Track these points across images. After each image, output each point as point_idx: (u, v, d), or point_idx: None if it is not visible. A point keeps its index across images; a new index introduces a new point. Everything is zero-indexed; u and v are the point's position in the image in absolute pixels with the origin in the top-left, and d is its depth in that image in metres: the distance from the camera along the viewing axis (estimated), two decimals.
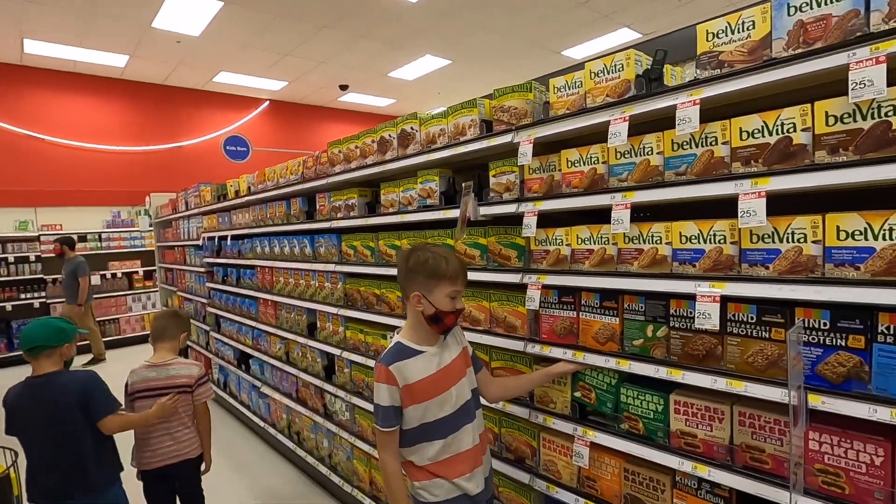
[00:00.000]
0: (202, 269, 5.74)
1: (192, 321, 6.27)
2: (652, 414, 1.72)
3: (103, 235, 8.86)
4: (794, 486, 1.32)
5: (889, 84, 1.17)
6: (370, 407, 2.98)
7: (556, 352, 1.95)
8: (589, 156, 1.85)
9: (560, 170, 1.95)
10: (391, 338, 2.81)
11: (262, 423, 4.43)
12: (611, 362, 1.78)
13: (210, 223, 5.54)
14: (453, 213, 2.30)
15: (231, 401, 5.11)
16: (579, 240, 1.90)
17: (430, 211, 2.49)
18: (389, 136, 2.77)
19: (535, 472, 2.10)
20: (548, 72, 2.41)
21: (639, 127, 1.70)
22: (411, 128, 2.62)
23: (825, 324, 1.35)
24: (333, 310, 3.28)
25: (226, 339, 5.15)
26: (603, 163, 1.81)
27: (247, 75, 9.53)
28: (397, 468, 1.67)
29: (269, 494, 3.60)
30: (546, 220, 2.00)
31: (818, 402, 1.33)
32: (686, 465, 1.60)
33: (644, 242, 1.70)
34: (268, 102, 11.13)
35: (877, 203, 1.29)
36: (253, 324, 4.47)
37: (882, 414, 1.22)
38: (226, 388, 5.33)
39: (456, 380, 1.73)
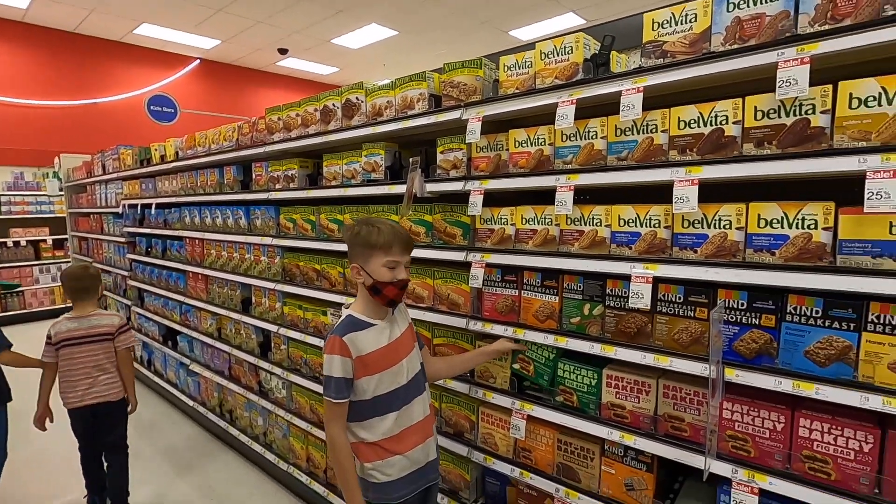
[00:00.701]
0: (122, 240, 5.30)
1: (111, 295, 5.81)
2: (586, 387, 1.81)
3: (3, 199, 7.94)
4: (708, 451, 1.45)
5: (811, 84, 1.26)
6: (308, 384, 2.92)
7: (497, 329, 1.99)
8: (536, 137, 1.87)
9: (507, 149, 1.96)
10: (333, 314, 2.76)
11: (190, 403, 4.23)
12: (549, 339, 1.84)
13: (132, 189, 5.11)
14: (399, 189, 2.26)
15: (156, 379, 4.83)
16: (524, 220, 1.93)
17: (375, 185, 2.43)
18: (333, 105, 2.65)
19: (474, 445, 2.16)
20: (494, 51, 2.39)
21: (585, 111, 1.74)
22: (357, 98, 2.53)
23: (743, 304, 1.47)
24: (270, 285, 3.16)
25: (150, 315, 4.83)
26: (549, 144, 1.84)
27: (174, 30, 8.75)
28: (346, 441, 1.65)
29: (198, 474, 3.47)
30: (492, 199, 2.01)
31: (733, 375, 1.45)
32: (614, 435, 1.70)
33: (585, 224, 1.76)
34: (198, 61, 10.32)
35: (793, 194, 1.40)
36: (181, 298, 4.21)
37: (786, 385, 1.36)
38: (150, 366, 5.02)
39: (406, 353, 1.74)
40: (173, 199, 4.25)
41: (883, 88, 1.21)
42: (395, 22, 8.47)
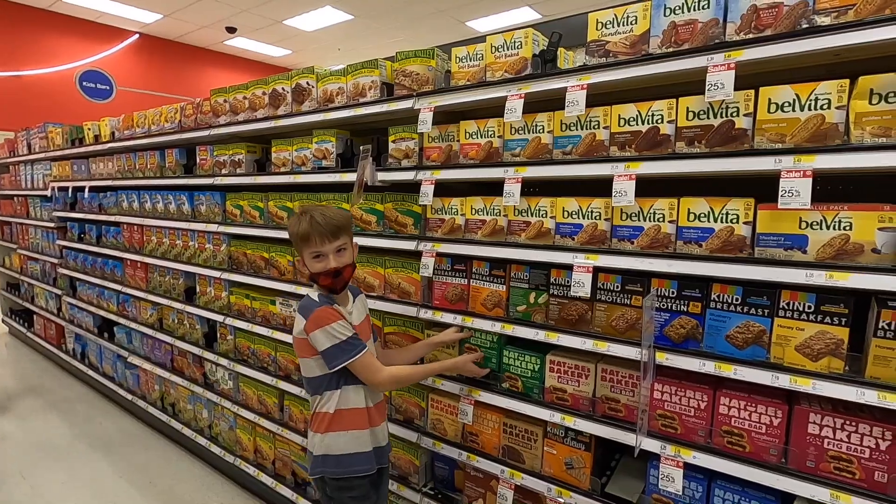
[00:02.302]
0: (52, 225, 4.94)
1: (39, 284, 5.42)
2: (530, 373, 1.88)
3: None
4: (639, 429, 1.55)
5: (736, 88, 1.36)
6: (256, 374, 2.87)
7: (447, 317, 2.03)
8: (486, 129, 1.90)
9: (459, 140, 1.99)
10: (282, 303, 2.71)
11: (129, 397, 4.04)
12: (497, 326, 1.90)
13: (62, 171, 4.77)
14: (350, 177, 2.24)
15: (91, 373, 4.57)
16: (473, 210, 1.96)
17: (326, 173, 2.40)
18: (283, 89, 2.58)
19: (423, 431, 2.20)
20: (451, 40, 2.40)
21: (533, 105, 1.79)
22: (307, 83, 2.47)
23: (673, 292, 1.57)
24: (216, 273, 3.05)
25: (84, 305, 4.55)
26: (499, 137, 1.88)
27: (110, 0, 8.16)
28: (399, 368, 1.79)
29: (138, 471, 3.33)
30: (443, 189, 2.04)
31: (663, 358, 1.55)
32: (556, 417, 1.79)
33: (531, 215, 1.82)
34: (137, 35, 9.67)
35: (719, 190, 1.51)
36: (119, 287, 4.00)
37: (709, 367, 1.47)
38: (84, 358, 4.75)
39: (369, 336, 1.83)
40: (109, 183, 4.01)
41: (797, 95, 1.32)
42: (350, 6, 8.27)
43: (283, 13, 8.65)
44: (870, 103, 1.24)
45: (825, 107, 1.29)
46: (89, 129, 4.34)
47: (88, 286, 4.48)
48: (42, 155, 5.07)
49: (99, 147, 4.14)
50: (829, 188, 1.56)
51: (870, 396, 1.25)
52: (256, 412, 2.92)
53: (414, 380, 1.91)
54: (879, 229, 1.25)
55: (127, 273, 3.95)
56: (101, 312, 4.31)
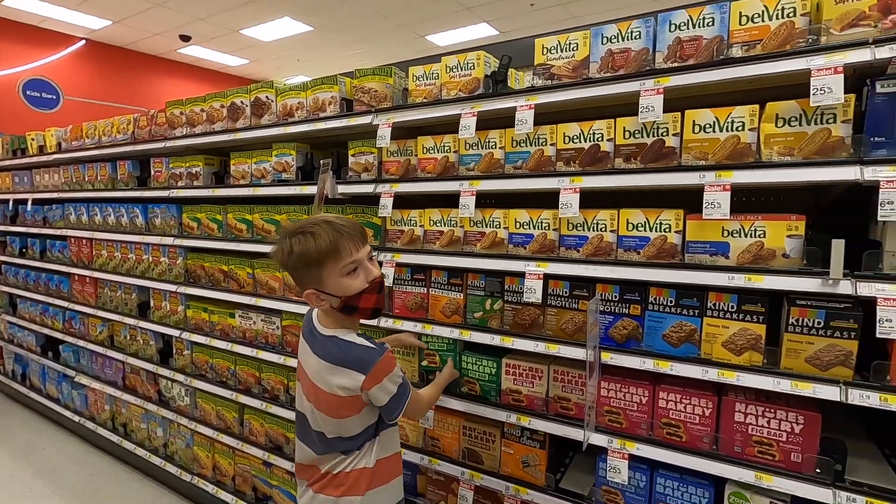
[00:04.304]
0: None
1: None
2: (487, 376, 1.97)
3: None
4: (587, 425, 1.66)
5: (665, 111, 1.50)
6: (214, 389, 2.83)
7: (407, 325, 2.09)
8: (442, 144, 2.00)
9: (416, 155, 2.07)
10: (241, 316, 2.69)
11: (76, 418, 3.86)
12: (455, 333, 1.98)
13: (1, 183, 4.54)
14: (310, 189, 2.28)
15: (33, 395, 4.33)
16: (431, 221, 2.05)
17: (286, 185, 2.43)
18: (242, 102, 2.60)
19: None
20: (410, 54, 2.49)
21: (485, 122, 1.90)
22: (266, 97, 2.50)
23: (616, 296, 1.70)
24: (172, 287, 3.00)
25: (25, 323, 4.32)
26: (454, 152, 1.98)
27: (53, 4, 7.82)
28: (418, 393, 1.56)
29: (87, 497, 3.19)
30: (402, 201, 2.11)
31: (608, 357, 1.67)
32: (512, 418, 1.88)
33: (486, 226, 1.92)
34: (84, 42, 9.30)
35: (653, 202, 1.65)
36: (65, 304, 3.83)
37: (648, 364, 1.60)
38: (24, 380, 4.49)
39: None
40: (55, 195, 3.85)
41: (716, 118, 1.48)
42: (310, 17, 8.27)
43: (241, 23, 8.55)
44: (776, 126, 1.41)
45: (740, 128, 1.45)
46: (33, 139, 4.17)
47: (30, 303, 4.26)
48: None
49: (44, 158, 3.98)
50: (752, 200, 1.75)
51: (784, 385, 1.41)
52: (215, 428, 2.87)
53: (433, 404, 1.80)
54: (788, 236, 1.42)
55: (74, 289, 3.79)
56: (45, 330, 4.10)
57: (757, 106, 1.44)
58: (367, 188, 2.14)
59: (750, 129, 1.44)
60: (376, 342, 1.43)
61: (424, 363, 2.12)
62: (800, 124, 1.38)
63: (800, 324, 1.40)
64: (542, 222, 1.80)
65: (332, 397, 1.36)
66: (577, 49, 1.69)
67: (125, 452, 3.47)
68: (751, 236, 1.46)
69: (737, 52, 1.45)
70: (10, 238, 4.50)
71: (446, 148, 1.99)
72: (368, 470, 1.43)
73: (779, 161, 1.40)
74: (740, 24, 1.45)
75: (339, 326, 1.43)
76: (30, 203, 4.08)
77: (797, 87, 1.40)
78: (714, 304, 1.53)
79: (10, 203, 4.37)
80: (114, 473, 3.45)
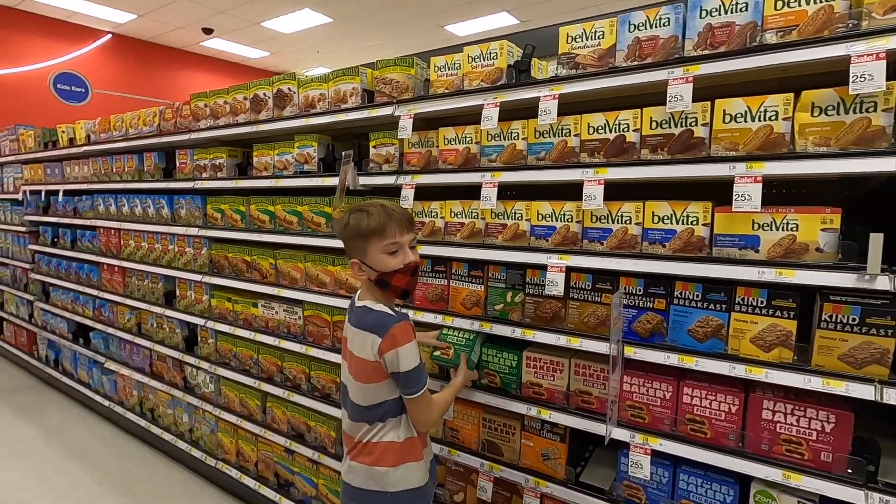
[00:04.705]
0: (23, 229, 4.84)
1: (8, 290, 5.29)
2: (507, 369, 1.96)
3: None
4: (609, 419, 1.64)
5: (694, 100, 1.46)
6: (237, 377, 2.89)
7: (427, 316, 2.10)
8: (464, 135, 1.98)
9: (437, 146, 2.06)
10: (263, 306, 2.73)
11: (106, 403, 3.99)
12: (475, 325, 1.97)
13: (34, 174, 4.68)
14: (332, 181, 2.29)
15: (65, 380, 4.48)
16: (452, 213, 2.04)
17: (308, 177, 2.44)
18: (264, 94, 2.62)
19: None
20: (429, 44, 2.48)
21: (508, 113, 1.87)
22: (289, 89, 2.51)
23: (640, 290, 1.67)
24: (197, 277, 3.06)
25: (57, 311, 4.47)
26: (476, 143, 1.96)
27: None
28: (432, 398, 1.58)
29: (116, 478, 3.30)
30: (423, 192, 2.11)
31: (631, 352, 1.65)
32: (533, 410, 1.87)
33: (508, 218, 1.90)
34: (110, 35, 9.48)
35: (680, 195, 1.61)
36: (94, 292, 3.95)
37: (672, 359, 1.58)
38: (57, 365, 4.65)
39: None
40: (84, 186, 3.96)
41: (748, 107, 1.43)
42: (329, 8, 8.27)
43: (261, 15, 8.60)
44: (812, 115, 1.36)
45: (773, 118, 1.41)
46: (63, 131, 4.28)
47: (62, 291, 4.40)
48: (12, 158, 4.97)
49: (74, 150, 4.09)
50: (782, 192, 1.69)
51: (815, 383, 1.37)
52: (238, 415, 2.94)
53: (446, 409, 1.71)
54: (822, 230, 1.37)
55: (103, 277, 3.91)
56: (76, 318, 4.24)
57: (792, 94, 1.39)
58: (389, 180, 2.15)
59: (784, 119, 1.39)
60: (399, 312, 1.53)
61: (437, 353, 2.03)
62: (837, 113, 1.33)
63: (833, 320, 1.36)
64: (564, 214, 1.78)
65: (360, 361, 1.51)
66: (602, 37, 1.66)
67: (152, 436, 3.58)
68: (782, 229, 1.42)
69: (771, 38, 1.40)
70: (42, 228, 4.64)
71: (468, 139, 1.97)
72: (397, 444, 1.54)
73: (814, 152, 1.35)
74: (775, 9, 1.39)
75: (372, 299, 1.56)
76: (61, 194, 4.20)
77: (834, 74, 1.35)
78: (742, 299, 1.50)
79: (43, 194, 4.51)
80: (142, 457, 3.56)
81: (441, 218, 2.07)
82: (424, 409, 1.54)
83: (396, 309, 1.57)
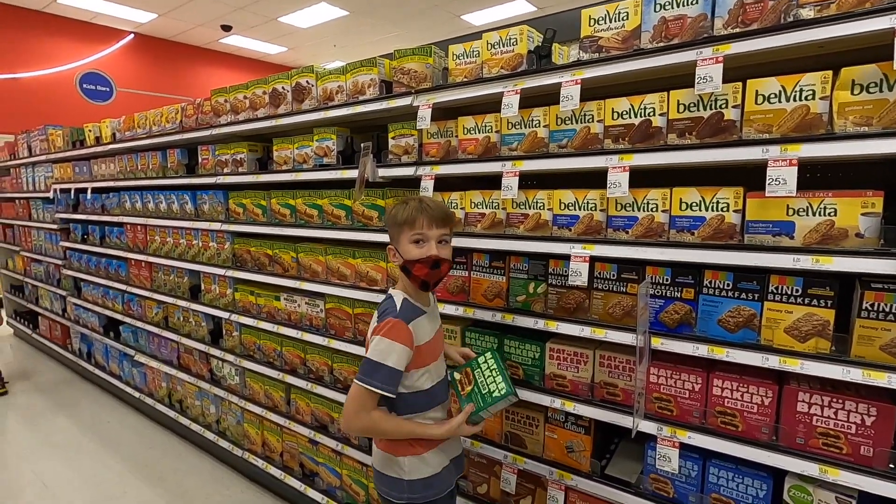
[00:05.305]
0: (55, 227, 4.99)
1: (42, 286, 5.47)
2: (530, 360, 1.94)
3: None
4: (636, 412, 1.61)
5: (724, 81, 1.40)
6: (262, 369, 2.93)
7: (448, 308, 2.08)
8: (484, 124, 1.95)
9: (457, 136, 2.04)
10: (286, 299, 2.75)
11: (136, 394, 4.11)
12: (497, 317, 1.95)
13: (63, 173, 4.81)
14: (351, 174, 2.29)
15: (98, 372, 4.63)
16: (472, 204, 2.01)
17: (328, 170, 2.44)
18: (283, 88, 2.62)
19: None
20: (445, 35, 2.44)
21: (528, 100, 1.83)
22: (307, 82, 2.51)
23: (667, 279, 1.62)
24: (221, 271, 3.10)
25: (88, 305, 4.60)
26: (496, 132, 1.93)
27: (102, 0, 8.14)
28: (380, 415, 1.49)
29: (147, 467, 3.40)
30: (442, 183, 2.08)
31: (658, 343, 1.61)
32: (556, 403, 1.85)
33: (529, 208, 1.87)
34: (132, 35, 9.66)
35: (709, 180, 1.56)
36: (123, 287, 4.05)
37: (701, 350, 1.53)
38: (90, 358, 4.80)
39: (437, 355, 1.67)
40: (111, 184, 4.05)
41: (782, 87, 1.37)
42: (345, 2, 8.26)
43: (279, 10, 8.64)
44: (852, 94, 1.29)
45: (810, 98, 1.34)
46: (90, 130, 4.38)
47: (93, 286, 4.53)
48: (42, 157, 5.11)
49: (100, 148, 4.18)
50: (817, 176, 1.62)
51: (855, 374, 1.31)
52: (263, 406, 2.98)
53: (388, 436, 1.58)
54: (863, 214, 1.31)
55: (131, 272, 4.00)
56: (107, 312, 4.36)
57: (830, 72, 1.32)
58: (408, 171, 2.13)
59: (821, 98, 1.33)
60: (407, 313, 1.55)
61: (458, 376, 1.75)
62: (880, 90, 1.26)
63: (875, 309, 1.29)
64: (588, 203, 1.74)
65: (368, 343, 1.58)
66: (627, 18, 1.60)
67: (181, 427, 3.67)
68: (819, 214, 1.36)
69: (807, 13, 1.33)
70: (73, 225, 4.77)
71: (488, 128, 1.94)
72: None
73: (855, 132, 1.28)
74: None
75: (401, 287, 1.63)
76: (89, 192, 4.30)
77: (875, 49, 1.27)
78: (776, 288, 1.44)
79: (72, 192, 4.63)
80: (172, 447, 3.66)
81: (461, 209, 2.05)
82: (351, 403, 1.46)
83: (418, 306, 1.58)
